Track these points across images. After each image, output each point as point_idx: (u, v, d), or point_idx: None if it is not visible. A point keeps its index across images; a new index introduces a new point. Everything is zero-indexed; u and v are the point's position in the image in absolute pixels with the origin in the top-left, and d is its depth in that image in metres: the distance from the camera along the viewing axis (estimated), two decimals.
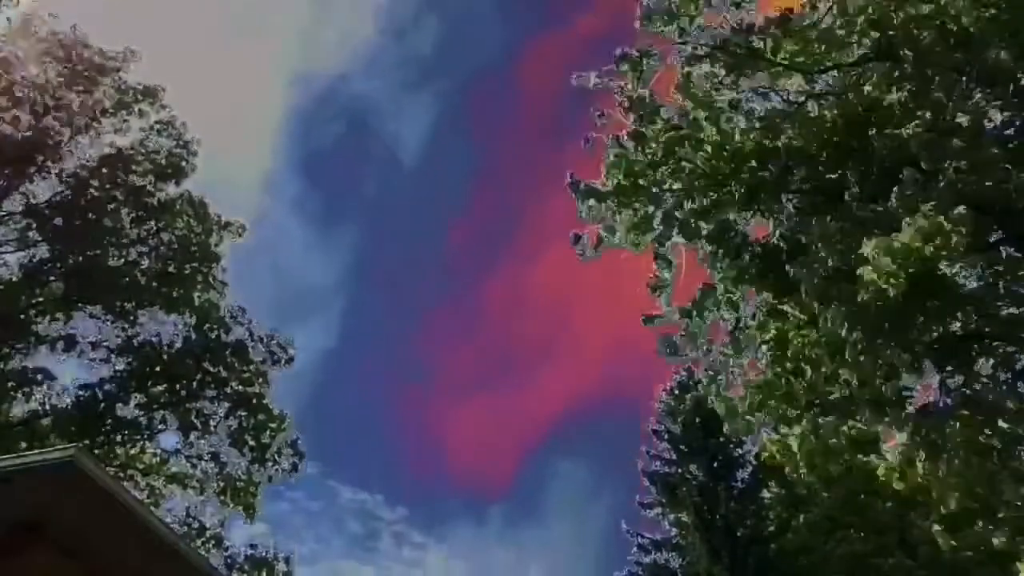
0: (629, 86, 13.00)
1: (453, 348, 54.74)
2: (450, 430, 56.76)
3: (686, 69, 12.54)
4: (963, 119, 10.50)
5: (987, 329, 10.43)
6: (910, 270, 9.01)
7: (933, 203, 9.09)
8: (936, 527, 10.47)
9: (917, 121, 10.56)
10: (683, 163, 12.33)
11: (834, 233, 10.37)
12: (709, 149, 12.19)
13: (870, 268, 9.19)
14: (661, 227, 12.39)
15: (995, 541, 10.08)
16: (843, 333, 9.64)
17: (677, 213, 12.31)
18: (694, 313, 12.65)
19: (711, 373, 12.92)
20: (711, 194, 12.09)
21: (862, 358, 9.67)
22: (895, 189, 9.77)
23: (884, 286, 9.10)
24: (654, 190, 12.51)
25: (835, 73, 12.39)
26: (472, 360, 54.63)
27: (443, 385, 56.65)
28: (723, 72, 12.29)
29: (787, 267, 10.91)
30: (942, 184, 9.60)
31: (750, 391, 11.52)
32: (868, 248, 9.25)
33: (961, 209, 8.97)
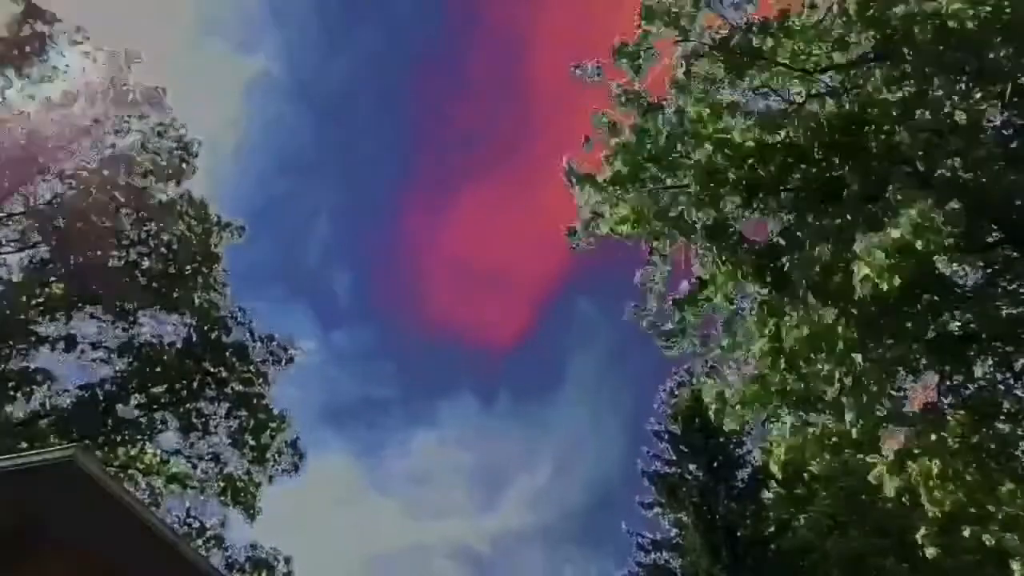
0: (627, 79, 12.99)
1: None
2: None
3: (685, 67, 12.54)
4: (962, 118, 10.51)
5: (985, 329, 10.44)
6: (903, 265, 9.01)
7: (925, 200, 9.10)
8: (923, 530, 10.48)
9: (913, 121, 10.57)
10: (681, 159, 12.34)
11: (829, 230, 10.40)
12: (708, 146, 12.20)
13: (863, 264, 9.21)
14: (658, 221, 12.39)
15: (988, 541, 10.10)
16: (839, 330, 9.66)
17: (673, 207, 12.33)
18: (685, 306, 12.66)
19: (706, 368, 12.95)
20: (709, 190, 12.09)
21: (856, 356, 9.69)
22: (889, 188, 9.80)
23: (878, 282, 9.12)
24: (651, 185, 12.52)
25: (834, 73, 12.40)
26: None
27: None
28: (723, 70, 12.31)
29: (783, 264, 10.93)
30: (936, 181, 9.62)
31: (744, 386, 11.54)
32: (860, 244, 9.27)
33: (954, 204, 8.98)
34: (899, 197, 9.47)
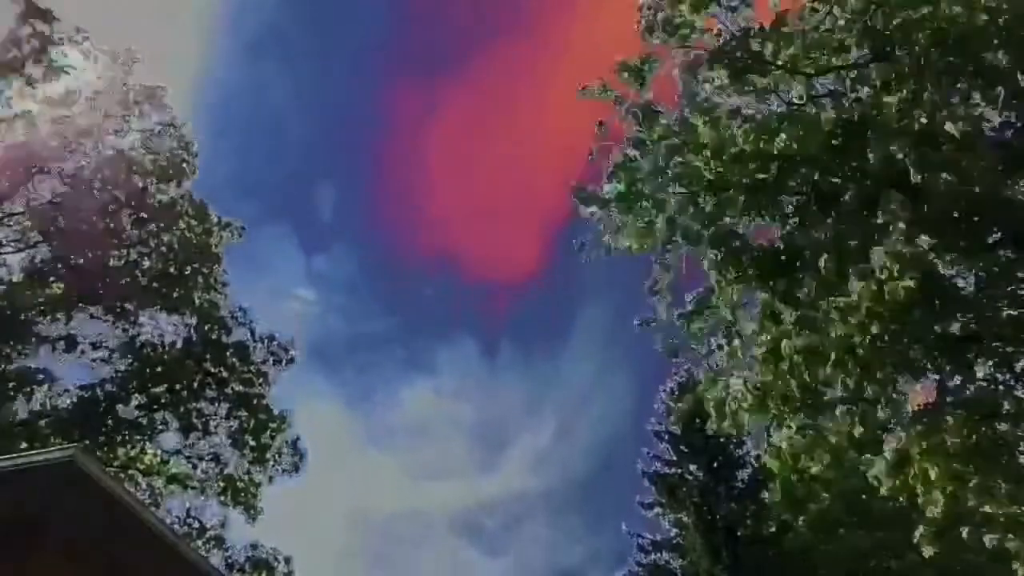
0: (631, 93, 13.06)
1: None
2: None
3: (686, 75, 12.58)
4: (959, 122, 10.52)
5: (986, 330, 10.44)
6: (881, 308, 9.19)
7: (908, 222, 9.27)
8: (922, 530, 10.48)
9: (908, 130, 10.60)
10: (684, 168, 12.38)
11: (827, 241, 10.43)
12: (709, 153, 12.24)
13: (860, 285, 9.33)
14: (664, 232, 12.45)
15: (989, 542, 10.10)
16: (834, 336, 9.70)
17: (679, 218, 12.37)
18: (694, 315, 12.70)
19: (710, 374, 12.96)
20: (712, 198, 12.13)
21: (857, 361, 9.72)
22: (880, 205, 9.87)
23: (893, 290, 9.24)
24: (657, 195, 12.57)
25: (834, 76, 12.42)
26: None
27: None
28: (724, 77, 12.33)
29: (786, 271, 10.94)
30: (931, 189, 9.67)
31: (746, 391, 11.55)
32: (874, 257, 9.32)
33: (924, 243, 9.15)
34: (888, 215, 9.53)
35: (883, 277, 9.25)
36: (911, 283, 9.28)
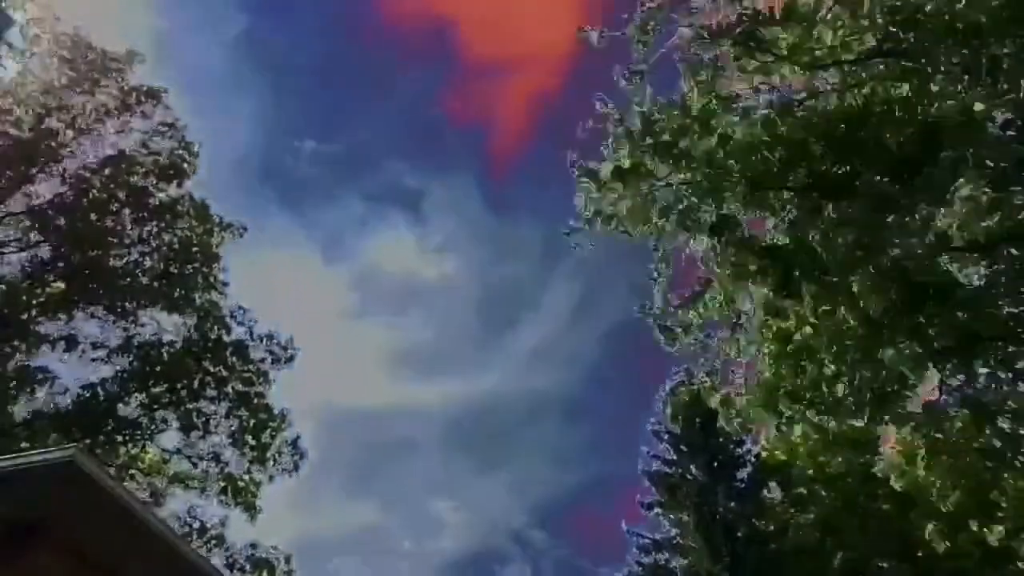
0: (635, 54, 12.83)
1: None
2: None
3: (691, 49, 12.40)
4: (965, 116, 10.47)
5: (987, 328, 10.43)
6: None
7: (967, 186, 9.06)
8: (931, 526, 10.48)
9: (915, 121, 10.55)
10: (686, 153, 12.26)
11: (853, 218, 10.28)
12: (712, 141, 12.12)
13: (860, 280, 9.23)
14: (660, 217, 12.32)
15: (991, 539, 10.10)
16: (838, 331, 9.67)
17: (678, 206, 12.27)
18: (691, 305, 12.62)
19: (710, 370, 12.92)
20: (713, 187, 12.04)
21: (860, 356, 9.70)
22: (925, 171, 9.70)
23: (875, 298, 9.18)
24: (655, 181, 12.44)
25: (840, 67, 12.34)
26: None
27: None
28: (729, 59, 12.20)
29: (787, 263, 10.90)
30: (936, 182, 9.60)
31: (749, 389, 11.51)
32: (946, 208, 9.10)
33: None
34: (942, 176, 9.41)
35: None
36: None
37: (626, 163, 12.33)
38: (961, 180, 9.08)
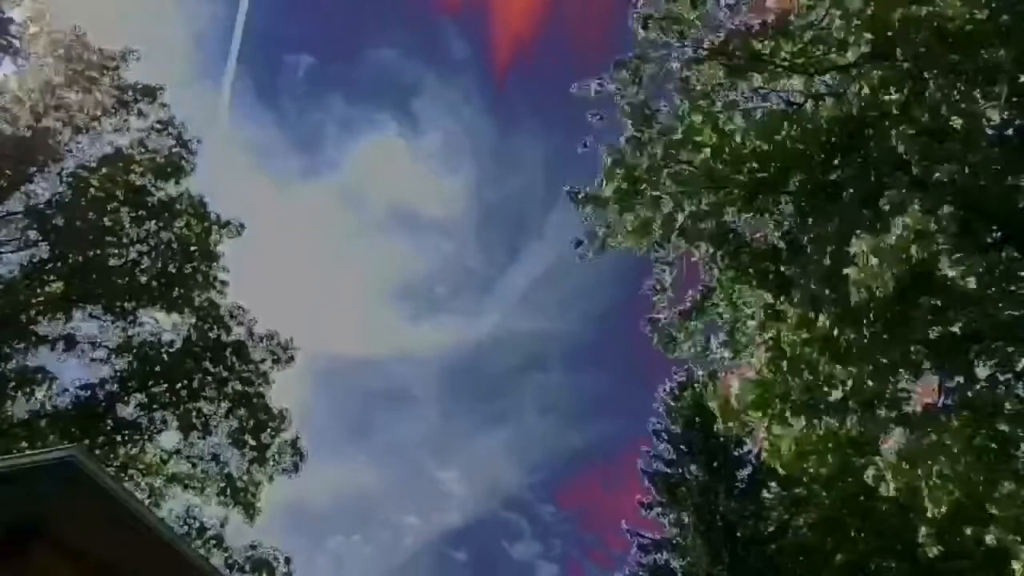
0: (628, 91, 13.02)
1: None
2: None
3: (685, 72, 12.56)
4: (961, 120, 10.50)
5: (987, 330, 10.43)
6: (895, 271, 9.00)
7: (919, 204, 9.11)
8: (924, 530, 10.48)
9: (911, 124, 10.57)
10: (682, 166, 12.36)
11: (829, 234, 10.40)
12: (708, 152, 12.22)
13: (857, 269, 9.19)
14: (661, 230, 12.43)
15: (988, 540, 10.10)
16: (835, 333, 9.67)
17: (677, 216, 12.35)
18: (695, 315, 12.70)
19: (709, 372, 12.97)
20: (710, 196, 12.11)
21: (858, 358, 9.69)
22: (884, 193, 9.81)
23: (873, 286, 9.11)
24: (654, 193, 12.54)
25: (833, 74, 12.40)
26: None
27: None
28: (722, 74, 12.32)
29: (784, 268, 10.93)
30: (931, 185, 9.62)
31: (747, 390, 11.54)
32: (856, 247, 9.27)
33: (947, 208, 8.99)
34: (893, 202, 9.49)
35: (875, 271, 9.20)
36: (894, 276, 9.21)
37: (624, 184, 12.46)
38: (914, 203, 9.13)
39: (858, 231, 9.83)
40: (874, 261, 9.03)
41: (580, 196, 13.13)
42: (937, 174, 9.94)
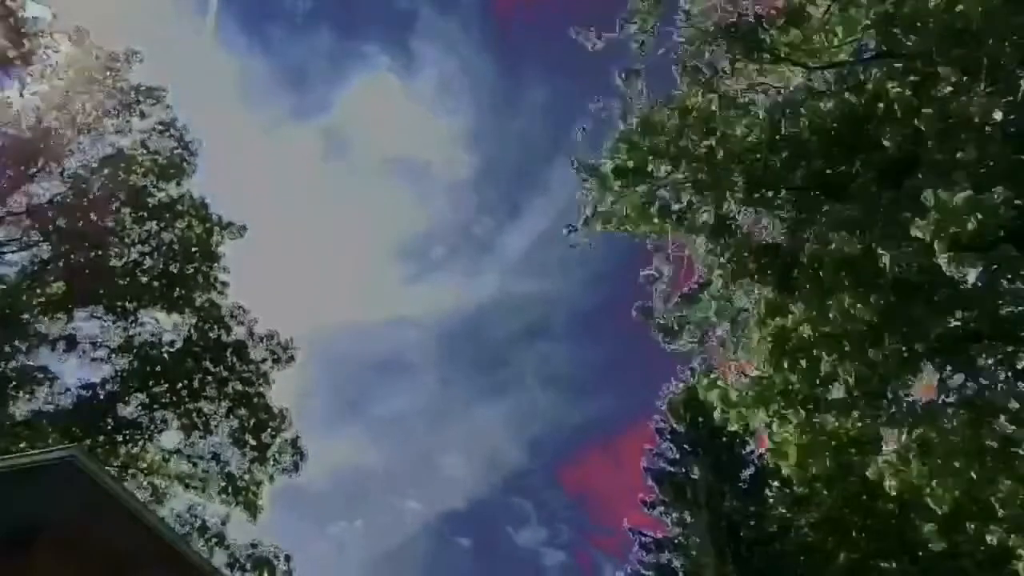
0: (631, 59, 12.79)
1: None
2: None
3: (690, 51, 12.37)
4: (972, 113, 10.43)
5: (987, 328, 10.40)
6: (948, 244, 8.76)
7: (965, 187, 8.94)
8: (928, 527, 10.45)
9: (920, 118, 10.52)
10: (685, 152, 12.23)
11: (846, 220, 10.25)
12: (712, 140, 12.11)
13: (926, 227, 8.84)
14: (659, 217, 12.30)
15: (991, 540, 10.07)
16: (845, 328, 9.62)
17: (676, 205, 12.26)
18: (691, 307, 12.63)
19: (707, 366, 12.93)
20: (711, 186, 12.02)
21: (860, 354, 9.66)
22: (917, 175, 9.64)
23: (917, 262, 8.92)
24: (654, 178, 12.40)
25: (839, 67, 12.34)
26: None
27: None
28: (727, 59, 12.18)
29: (787, 261, 10.87)
30: (956, 175, 9.53)
31: (746, 386, 11.50)
32: (927, 200, 8.93)
33: (1000, 190, 8.80)
34: (927, 187, 9.35)
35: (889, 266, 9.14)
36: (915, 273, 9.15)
37: (627, 163, 12.29)
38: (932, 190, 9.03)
39: (878, 221, 9.66)
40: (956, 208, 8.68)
41: (585, 167, 12.82)
42: (960, 154, 9.81)
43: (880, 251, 9.44)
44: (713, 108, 11.99)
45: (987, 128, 10.00)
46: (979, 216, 8.61)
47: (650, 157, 12.18)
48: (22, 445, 16.66)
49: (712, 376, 12.52)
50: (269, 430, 20.44)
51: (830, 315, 10.24)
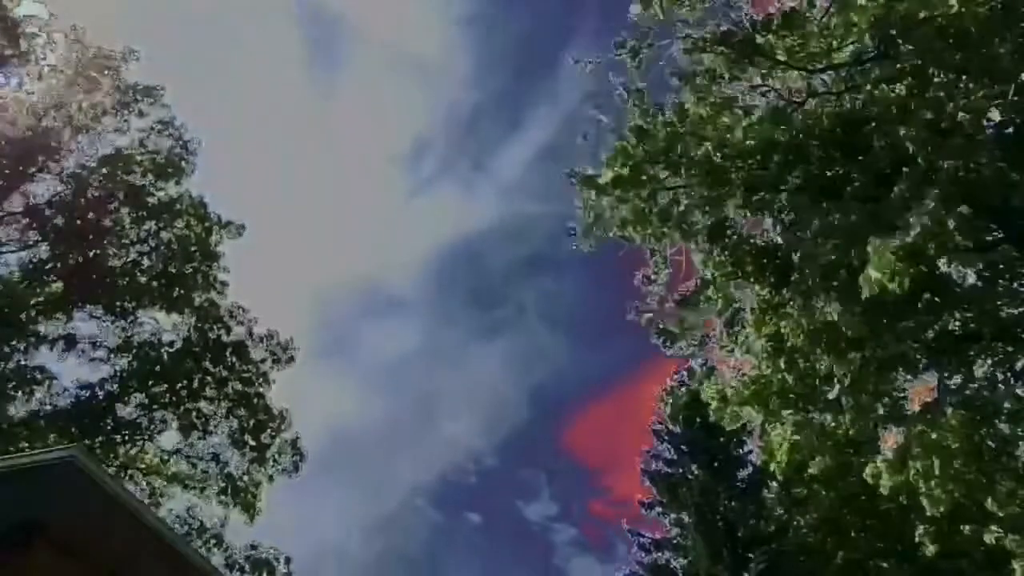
0: (629, 75, 12.93)
1: None
2: None
3: (686, 60, 12.47)
4: (962, 118, 10.48)
5: (986, 328, 10.42)
6: (912, 268, 8.99)
7: (933, 203, 9.08)
8: (921, 528, 10.49)
9: (914, 120, 10.56)
10: (682, 158, 12.31)
11: (834, 229, 10.36)
12: (709, 145, 12.17)
13: (873, 266, 9.15)
14: (658, 222, 12.37)
15: (988, 539, 10.10)
16: (841, 329, 9.66)
17: (674, 209, 12.31)
18: (690, 308, 12.67)
19: (705, 367, 12.96)
20: (709, 190, 12.08)
21: (856, 354, 9.69)
22: (895, 188, 9.78)
23: (889, 285, 9.09)
24: (653, 185, 12.47)
25: (835, 71, 12.38)
26: None
27: None
28: (724, 66, 12.26)
29: (784, 263, 10.91)
30: (939, 183, 9.60)
31: (743, 385, 11.53)
32: (871, 246, 9.23)
33: (963, 209, 8.96)
34: (907, 195, 9.44)
35: (892, 268, 9.19)
36: (912, 275, 9.20)
37: (624, 171, 12.38)
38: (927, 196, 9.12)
39: (866, 227, 9.80)
40: (890, 259, 8.95)
41: (581, 178, 12.96)
42: (943, 170, 9.91)
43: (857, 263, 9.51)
44: (712, 113, 12.06)
45: (978, 138, 10.05)
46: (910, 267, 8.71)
47: (648, 164, 12.27)
48: (22, 445, 16.64)
49: (708, 372, 12.58)
50: (269, 431, 20.42)
51: (827, 315, 10.28)
